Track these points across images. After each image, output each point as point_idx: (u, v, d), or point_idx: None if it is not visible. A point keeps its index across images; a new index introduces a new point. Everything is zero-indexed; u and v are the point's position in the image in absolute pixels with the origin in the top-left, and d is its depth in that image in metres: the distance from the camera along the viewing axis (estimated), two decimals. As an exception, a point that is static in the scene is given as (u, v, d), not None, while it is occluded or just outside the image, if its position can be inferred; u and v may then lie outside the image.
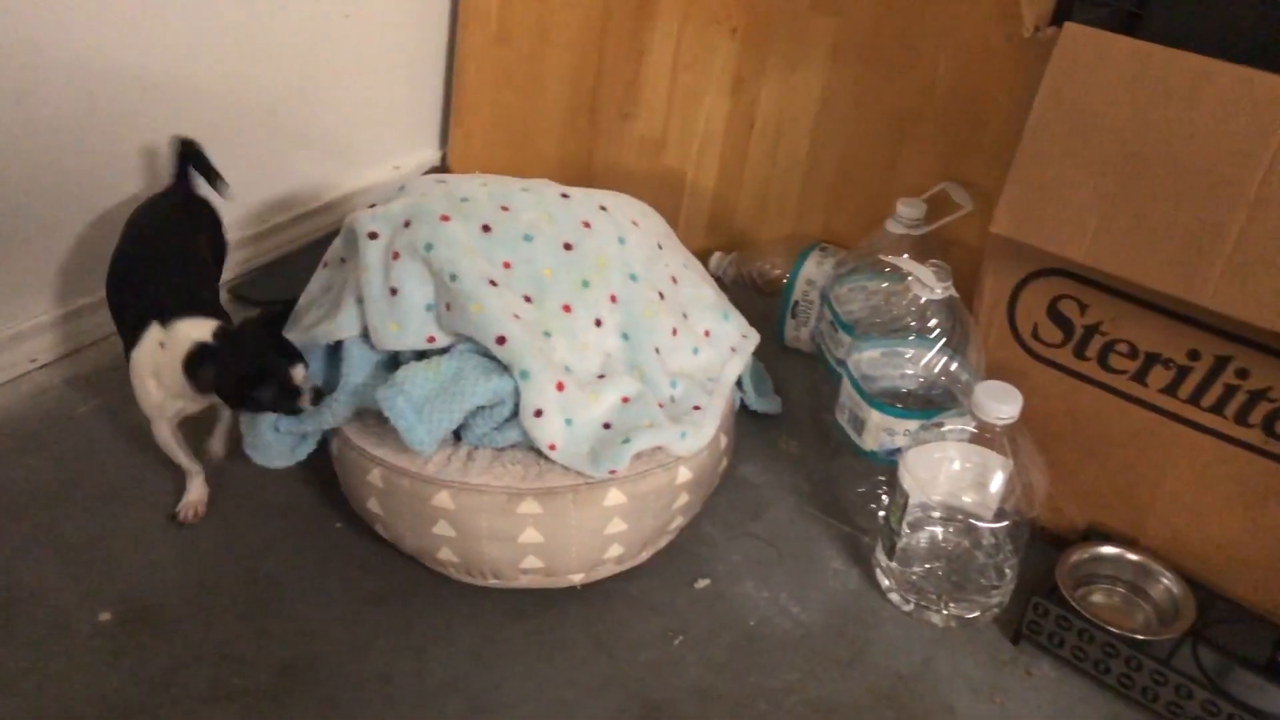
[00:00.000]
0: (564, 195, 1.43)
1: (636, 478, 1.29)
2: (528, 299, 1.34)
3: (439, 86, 2.19)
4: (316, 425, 1.35)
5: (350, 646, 1.27)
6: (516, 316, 1.30)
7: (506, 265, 1.34)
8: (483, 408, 1.28)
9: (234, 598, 1.32)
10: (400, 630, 1.29)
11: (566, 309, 1.35)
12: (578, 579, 1.32)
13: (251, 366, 1.27)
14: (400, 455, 1.29)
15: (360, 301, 1.34)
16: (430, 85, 2.19)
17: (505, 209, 1.38)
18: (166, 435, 1.39)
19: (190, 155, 1.58)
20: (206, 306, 1.35)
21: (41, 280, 1.64)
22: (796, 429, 1.62)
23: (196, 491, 1.43)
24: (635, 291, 1.40)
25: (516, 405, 1.28)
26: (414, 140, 2.22)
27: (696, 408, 1.38)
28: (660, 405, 1.35)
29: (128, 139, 1.64)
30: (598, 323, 1.36)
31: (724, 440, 1.42)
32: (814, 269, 1.70)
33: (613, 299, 1.38)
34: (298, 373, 1.28)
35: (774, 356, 1.72)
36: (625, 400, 1.33)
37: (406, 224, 1.35)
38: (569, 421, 1.29)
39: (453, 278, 1.30)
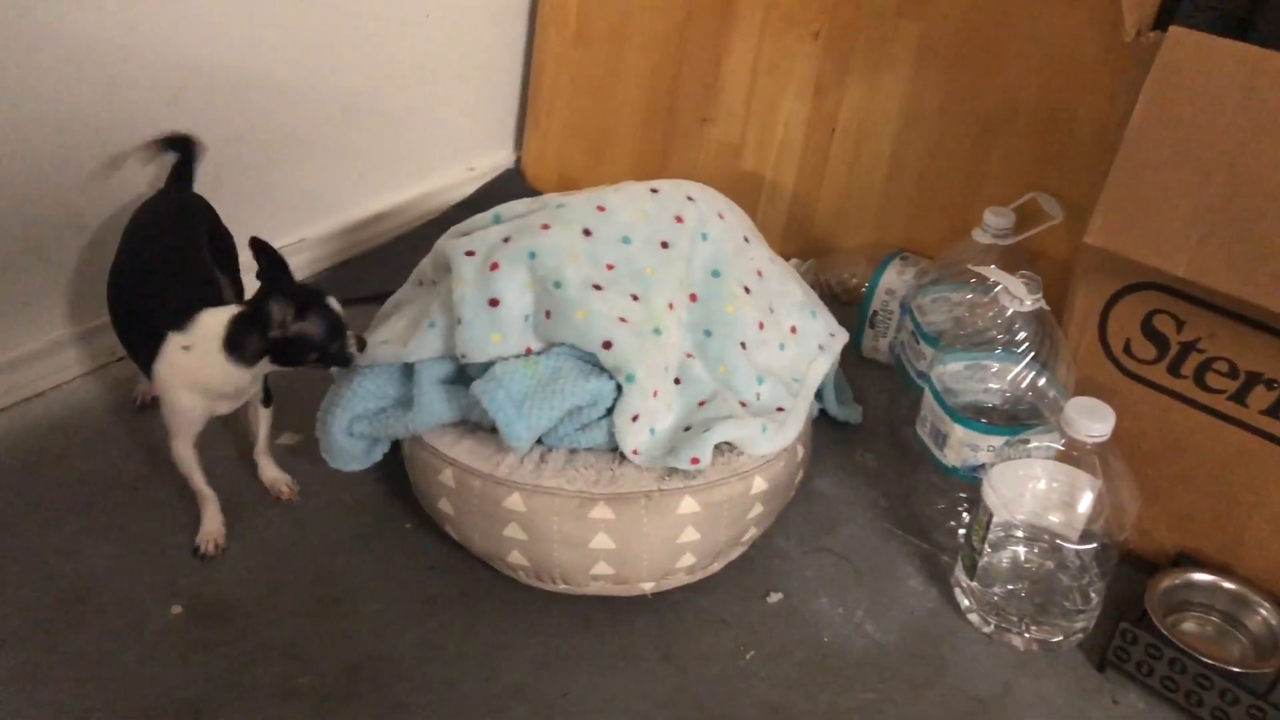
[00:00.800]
0: (653, 190, 1.42)
1: (710, 486, 1.26)
2: (635, 298, 1.33)
3: (515, 88, 2.19)
4: (387, 433, 1.34)
5: (418, 649, 1.26)
6: (623, 320, 1.29)
7: (610, 267, 1.34)
8: (577, 408, 1.27)
9: (303, 595, 1.32)
10: (468, 634, 1.28)
11: (671, 307, 1.35)
12: (648, 587, 1.30)
13: (293, 302, 1.23)
14: (473, 456, 1.28)
15: (433, 325, 1.33)
16: (507, 86, 2.18)
17: (601, 209, 1.39)
18: (189, 453, 1.34)
19: (188, 153, 1.56)
20: (215, 304, 1.31)
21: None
22: (873, 442, 1.58)
23: (212, 520, 1.38)
24: (717, 288, 1.39)
25: (609, 407, 1.27)
26: (489, 141, 2.22)
27: (780, 409, 1.35)
28: (743, 404, 1.33)
29: (208, 136, 1.65)
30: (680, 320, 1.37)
31: (801, 451, 1.38)
32: (894, 278, 1.66)
33: (693, 298, 1.38)
34: (335, 303, 1.27)
35: (851, 367, 1.68)
36: (702, 404, 1.31)
37: (506, 240, 1.35)
38: (653, 431, 1.28)
39: (556, 285, 1.29)
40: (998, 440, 1.31)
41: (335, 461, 1.39)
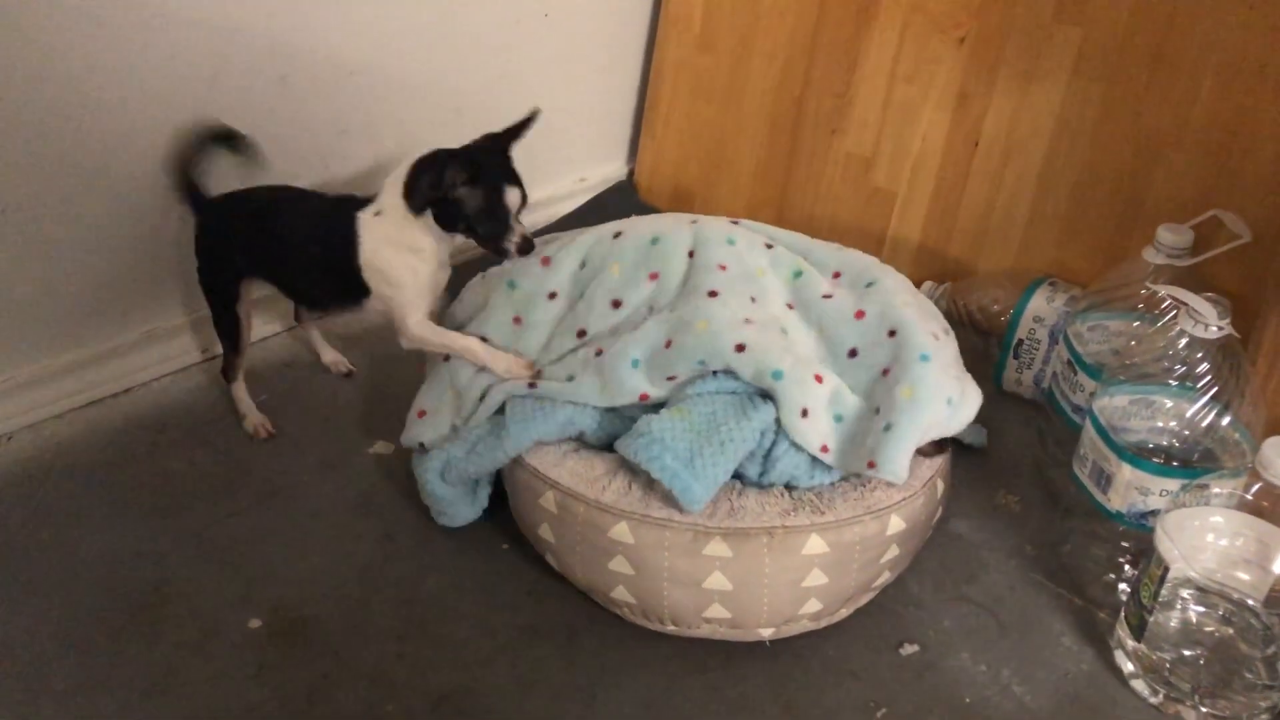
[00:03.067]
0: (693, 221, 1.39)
1: (841, 525, 1.16)
2: (753, 299, 1.26)
3: (633, 96, 2.10)
4: (481, 468, 1.26)
5: (513, 682, 1.16)
6: (749, 321, 1.21)
7: (722, 268, 1.27)
8: (750, 453, 1.19)
9: (390, 616, 1.23)
10: (567, 668, 1.18)
11: (790, 306, 1.30)
12: (767, 634, 1.19)
13: (468, 168, 1.27)
14: (576, 478, 1.19)
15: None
16: (624, 94, 2.09)
17: (694, 222, 1.36)
18: (428, 324, 1.34)
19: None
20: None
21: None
22: (1016, 483, 1.44)
23: (501, 357, 1.31)
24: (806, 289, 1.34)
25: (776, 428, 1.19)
26: (602, 152, 2.13)
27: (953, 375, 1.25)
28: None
29: (316, 124, 1.60)
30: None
31: (940, 486, 1.26)
32: (1043, 305, 1.52)
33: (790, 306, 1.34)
34: (513, 192, 1.30)
35: (990, 401, 1.52)
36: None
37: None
38: (839, 418, 1.19)
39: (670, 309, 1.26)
40: (1173, 484, 1.18)
41: (445, 517, 1.33)
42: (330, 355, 1.61)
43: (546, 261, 1.37)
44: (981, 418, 1.49)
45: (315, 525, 1.34)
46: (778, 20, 1.86)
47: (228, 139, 1.42)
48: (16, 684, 1.14)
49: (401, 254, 1.31)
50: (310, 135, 1.63)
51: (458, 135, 1.82)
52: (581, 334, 1.32)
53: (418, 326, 1.32)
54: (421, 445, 1.31)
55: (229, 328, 1.45)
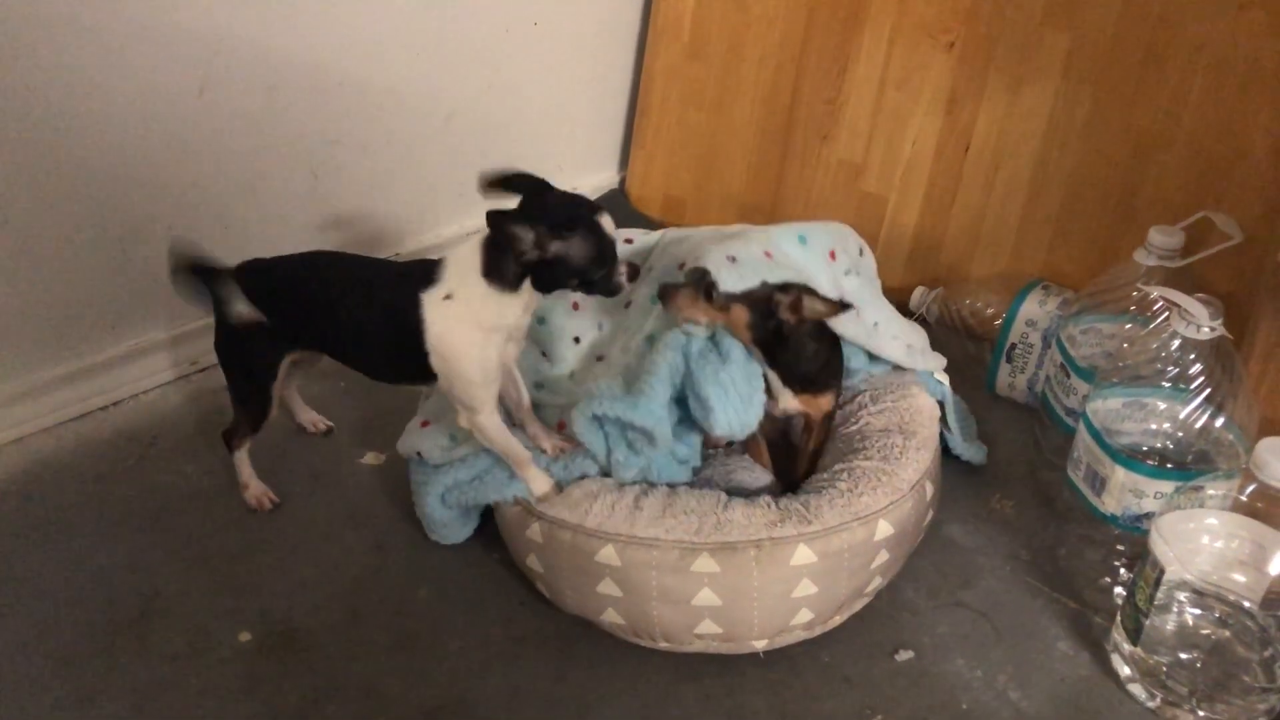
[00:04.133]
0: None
1: (829, 533, 1.15)
2: None
3: (623, 104, 2.10)
4: (481, 499, 1.25)
5: (505, 694, 1.15)
6: None
7: (768, 255, 1.25)
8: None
9: (382, 628, 1.22)
10: (560, 679, 1.17)
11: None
12: (760, 645, 1.18)
13: (559, 215, 1.11)
14: (560, 507, 1.18)
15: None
16: (614, 102, 2.09)
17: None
18: (497, 421, 1.20)
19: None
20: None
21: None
22: (1011, 487, 1.43)
23: (543, 481, 1.22)
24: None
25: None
26: (593, 160, 2.13)
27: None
28: None
29: (305, 134, 1.59)
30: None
31: (929, 488, 1.26)
32: (1035, 309, 1.51)
33: None
34: (607, 222, 1.13)
35: (983, 406, 1.54)
36: None
37: None
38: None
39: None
40: (1167, 486, 1.17)
41: (438, 536, 1.32)
42: (307, 415, 1.50)
43: (576, 306, 1.38)
44: (975, 423, 1.50)
45: (305, 537, 1.33)
46: (767, 27, 1.85)
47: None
48: (6, 698, 1.13)
49: (475, 339, 1.15)
50: (299, 145, 1.62)
51: (448, 144, 1.82)
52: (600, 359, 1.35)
53: (486, 420, 1.20)
54: (419, 454, 1.30)
55: (257, 406, 1.31)
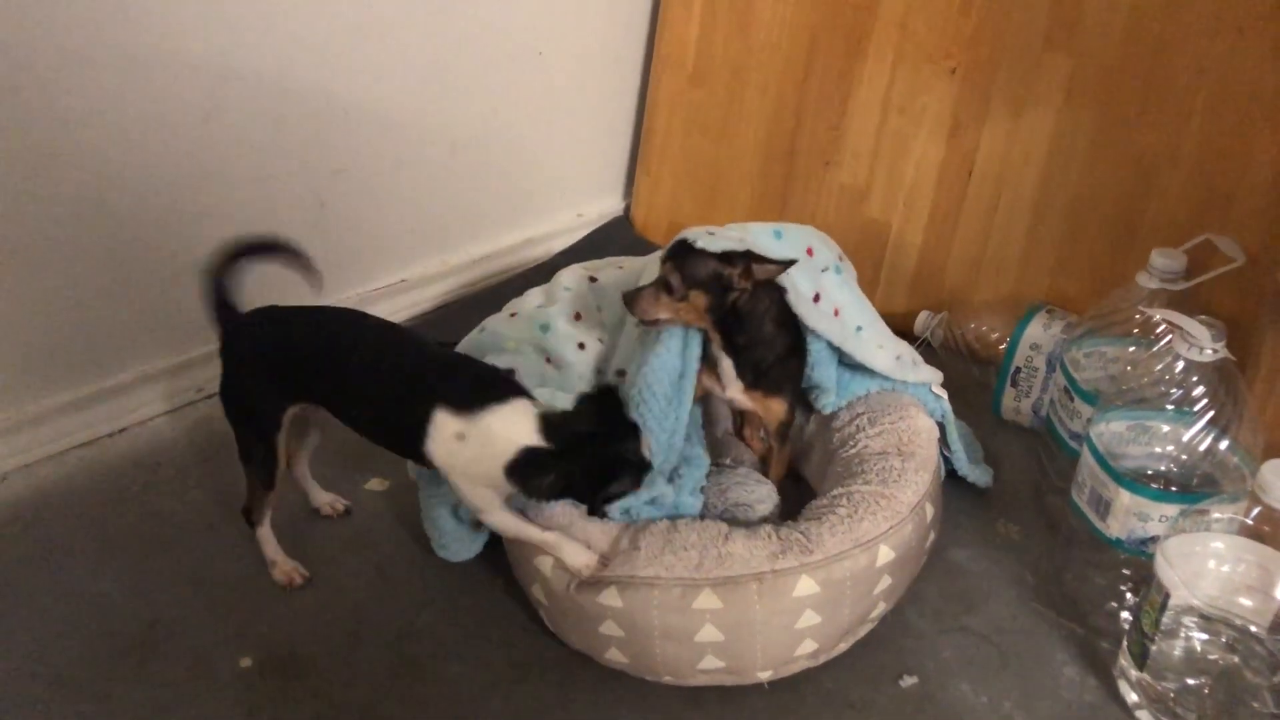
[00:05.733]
0: None
1: (830, 562, 1.14)
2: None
3: (628, 131, 2.11)
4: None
5: None
6: None
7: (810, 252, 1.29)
8: None
9: (383, 652, 1.22)
10: (563, 706, 1.16)
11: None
12: (764, 676, 1.17)
13: (604, 465, 1.11)
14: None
15: None
16: (619, 130, 2.10)
17: None
18: (506, 515, 1.17)
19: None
20: (500, 386, 1.15)
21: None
22: (1016, 512, 1.43)
23: (580, 554, 1.17)
24: None
25: None
26: (598, 187, 2.14)
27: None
28: None
29: (311, 162, 1.60)
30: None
31: (930, 510, 1.25)
32: (1040, 332, 1.51)
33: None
34: (646, 446, 1.13)
35: (988, 430, 1.53)
36: None
37: None
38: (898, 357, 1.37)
39: None
40: (1172, 509, 1.16)
41: (444, 550, 1.31)
42: (324, 498, 1.42)
43: (578, 317, 1.42)
44: (981, 448, 1.49)
45: (308, 562, 1.32)
46: (770, 54, 1.86)
47: (272, 250, 1.25)
48: (6, 723, 1.13)
49: (479, 462, 1.12)
50: (305, 174, 1.63)
51: (454, 172, 1.83)
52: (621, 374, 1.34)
53: (494, 519, 1.17)
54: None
55: (263, 460, 1.26)
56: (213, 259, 1.22)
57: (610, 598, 1.13)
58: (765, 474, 1.37)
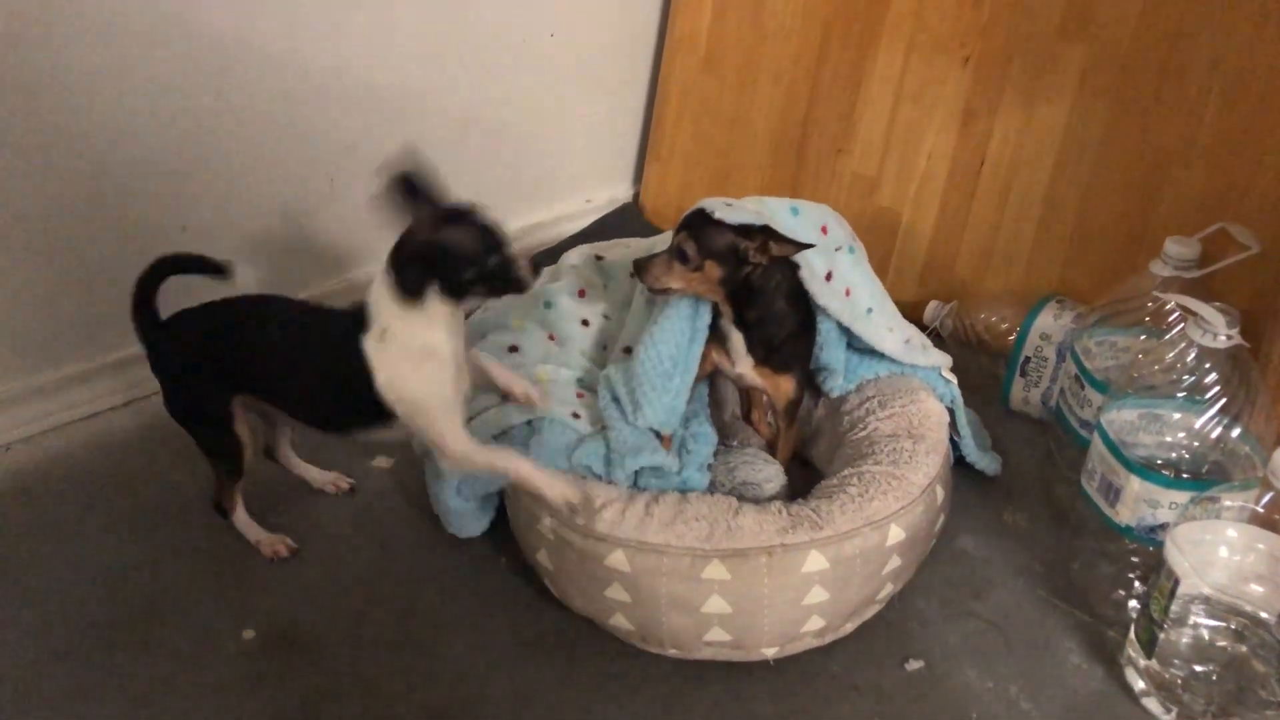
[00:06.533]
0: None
1: (841, 539, 1.13)
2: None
3: (639, 117, 2.10)
4: (498, 482, 1.26)
5: (510, 697, 1.14)
6: None
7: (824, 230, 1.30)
8: None
9: (386, 628, 1.22)
10: (565, 683, 1.16)
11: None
12: (770, 653, 1.17)
13: (434, 216, 1.11)
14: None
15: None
16: (630, 115, 2.10)
17: None
18: (468, 441, 1.16)
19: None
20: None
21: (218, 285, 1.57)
22: (1024, 500, 1.42)
23: (558, 484, 1.16)
24: None
25: None
26: (608, 173, 2.13)
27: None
28: None
29: (322, 139, 1.59)
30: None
31: (940, 493, 1.25)
32: (1050, 322, 1.50)
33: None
34: (486, 217, 1.12)
35: (996, 420, 1.53)
36: None
37: None
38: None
39: None
40: (1182, 496, 1.16)
41: (455, 528, 1.31)
42: (325, 476, 1.42)
43: (582, 294, 1.43)
44: (989, 436, 1.48)
45: (312, 537, 1.32)
46: (783, 42, 1.86)
47: (200, 267, 1.24)
48: (10, 694, 1.13)
49: (420, 369, 1.13)
50: (316, 150, 1.63)
51: (463, 152, 1.83)
52: (628, 351, 1.34)
53: (457, 446, 1.16)
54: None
55: (229, 450, 1.26)
56: (135, 286, 1.22)
57: (618, 561, 1.12)
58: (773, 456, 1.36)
